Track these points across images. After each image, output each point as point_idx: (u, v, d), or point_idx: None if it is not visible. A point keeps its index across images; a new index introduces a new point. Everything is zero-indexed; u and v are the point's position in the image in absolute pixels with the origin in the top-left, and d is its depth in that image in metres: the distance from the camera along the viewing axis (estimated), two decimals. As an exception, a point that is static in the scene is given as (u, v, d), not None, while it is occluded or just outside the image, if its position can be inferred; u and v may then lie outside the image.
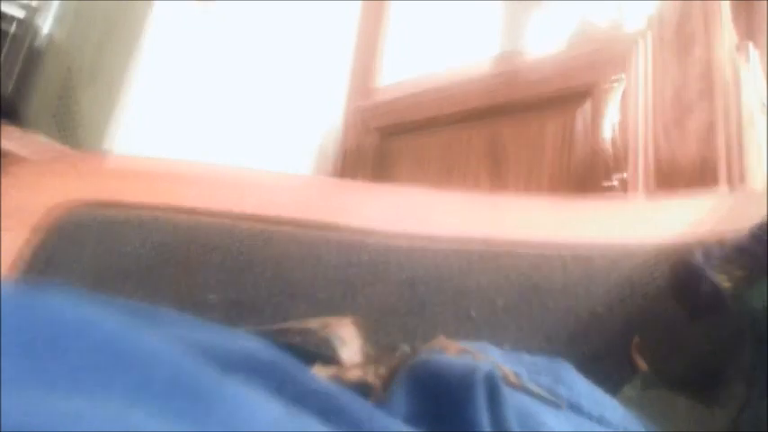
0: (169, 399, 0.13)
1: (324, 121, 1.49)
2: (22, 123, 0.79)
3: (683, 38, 1.01)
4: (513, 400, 0.20)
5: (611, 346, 0.37)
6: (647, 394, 0.35)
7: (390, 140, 1.36)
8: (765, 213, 0.32)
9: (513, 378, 0.23)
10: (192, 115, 1.33)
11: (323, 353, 0.23)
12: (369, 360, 0.23)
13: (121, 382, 0.12)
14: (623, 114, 1.01)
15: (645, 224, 0.42)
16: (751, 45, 0.99)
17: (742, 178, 0.89)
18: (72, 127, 0.98)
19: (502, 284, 0.41)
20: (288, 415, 0.15)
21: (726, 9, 0.99)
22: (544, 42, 1.24)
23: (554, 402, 0.23)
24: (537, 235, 0.43)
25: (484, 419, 0.17)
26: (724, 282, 0.33)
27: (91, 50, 1.01)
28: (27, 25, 0.80)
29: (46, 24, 0.83)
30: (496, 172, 1.16)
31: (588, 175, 1.03)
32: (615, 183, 0.97)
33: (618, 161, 0.99)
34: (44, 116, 0.86)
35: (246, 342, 0.23)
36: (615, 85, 1.03)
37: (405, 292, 0.41)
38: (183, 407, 0.13)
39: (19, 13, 0.79)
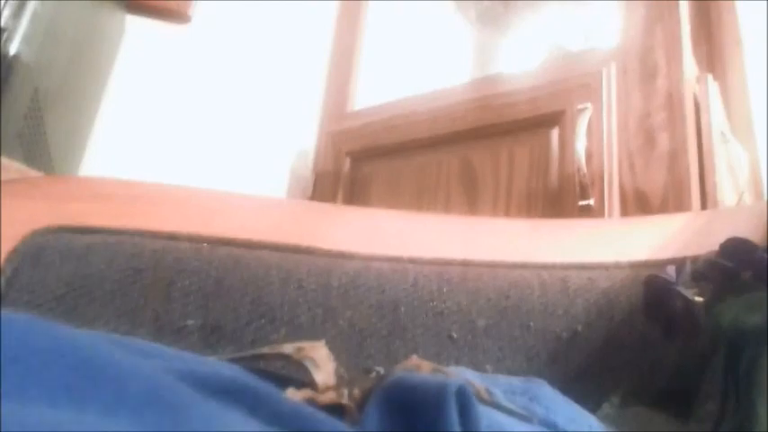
0: (144, 413, 0.13)
1: (296, 144, 1.49)
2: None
3: (645, 69, 1.06)
4: (487, 418, 0.21)
5: (590, 363, 0.37)
6: (625, 411, 0.35)
7: (363, 165, 1.37)
8: (734, 230, 0.34)
9: (484, 394, 0.23)
10: (163, 137, 1.32)
11: (296, 377, 0.23)
12: (343, 382, 0.23)
13: (97, 398, 0.12)
14: (590, 141, 1.04)
15: (619, 243, 0.43)
16: (710, 77, 1.05)
17: (712, 202, 0.92)
18: (38, 148, 0.96)
19: (482, 305, 0.41)
20: (265, 428, 0.15)
21: (686, 42, 1.05)
22: (514, 69, 1.27)
23: (525, 417, 0.23)
24: (514, 255, 0.44)
25: None
26: (696, 296, 0.34)
27: (59, 71, 1.00)
28: (-6, 45, 0.78)
29: (13, 44, 0.81)
30: (468, 196, 1.17)
31: (558, 200, 1.05)
32: (591, 202, 1.00)
33: (584, 188, 1.01)
34: (9, 137, 0.84)
35: (218, 368, 0.22)
36: (582, 112, 1.06)
37: (385, 315, 0.41)
38: (159, 421, 0.13)
39: (-14, 32, 0.78)
